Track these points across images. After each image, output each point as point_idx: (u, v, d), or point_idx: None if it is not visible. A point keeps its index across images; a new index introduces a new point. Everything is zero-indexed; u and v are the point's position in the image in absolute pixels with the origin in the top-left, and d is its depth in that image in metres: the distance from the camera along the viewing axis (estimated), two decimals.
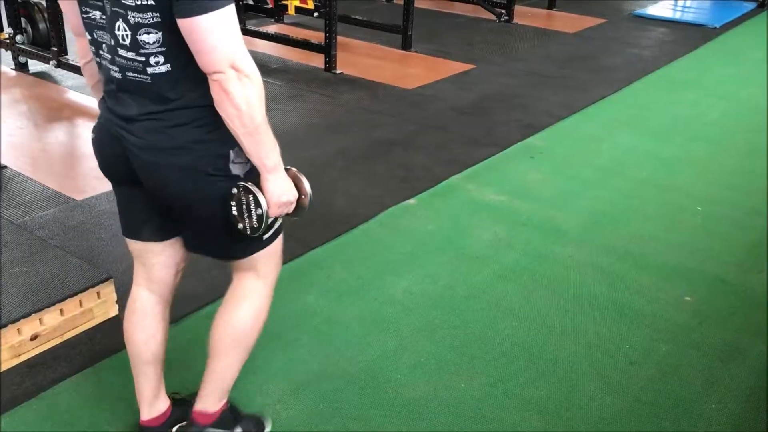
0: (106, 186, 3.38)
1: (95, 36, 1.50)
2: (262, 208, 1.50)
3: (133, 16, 1.38)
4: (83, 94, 4.65)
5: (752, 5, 8.41)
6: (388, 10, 7.36)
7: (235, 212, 1.52)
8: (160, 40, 1.40)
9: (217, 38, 1.34)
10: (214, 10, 1.32)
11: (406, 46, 6.04)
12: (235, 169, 1.52)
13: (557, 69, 5.70)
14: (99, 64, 1.54)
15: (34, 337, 2.24)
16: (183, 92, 1.45)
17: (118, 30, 1.42)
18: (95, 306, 2.39)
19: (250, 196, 1.50)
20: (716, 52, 6.50)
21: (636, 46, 6.54)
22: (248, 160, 1.51)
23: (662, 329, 2.52)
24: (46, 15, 4.97)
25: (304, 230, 2.93)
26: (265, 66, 5.34)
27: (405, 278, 2.76)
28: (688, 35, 6.97)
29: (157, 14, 1.37)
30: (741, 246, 3.12)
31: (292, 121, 4.35)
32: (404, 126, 4.35)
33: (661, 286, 2.78)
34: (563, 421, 2.09)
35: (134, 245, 1.75)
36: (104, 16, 1.44)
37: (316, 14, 5.67)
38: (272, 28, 6.25)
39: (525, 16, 7.44)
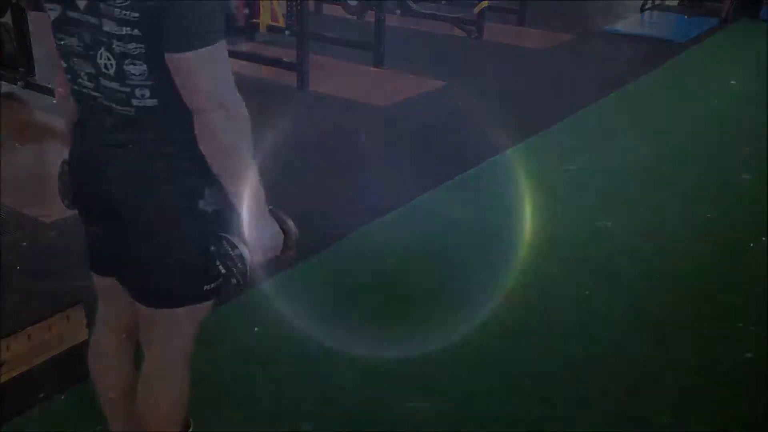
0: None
1: (72, 63, 1.40)
2: (241, 251, 1.39)
3: (118, 45, 1.29)
4: (51, 115, 4.59)
5: (714, 21, 8.60)
6: (359, 27, 7.38)
7: (223, 270, 1.43)
8: (146, 72, 1.30)
9: (205, 76, 1.28)
10: (204, 46, 1.25)
11: (378, 63, 6.07)
12: (204, 206, 1.42)
13: (528, 85, 5.76)
14: (78, 92, 1.43)
15: (0, 365, 2.18)
16: (168, 126, 1.36)
17: (101, 58, 1.33)
18: (64, 331, 2.34)
19: (225, 242, 1.41)
20: (683, 66, 6.63)
21: (606, 61, 6.63)
22: (219, 203, 1.42)
23: None
24: (12, 35, 4.90)
25: None
26: (235, 85, 5.31)
27: None
28: (656, 50, 7.10)
29: (142, 46, 1.28)
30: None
31: (263, 140, 4.32)
32: (377, 142, 4.35)
33: None
34: None
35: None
36: (81, 44, 1.34)
37: (287, 32, 5.68)
38: (244, 47, 6.24)
39: (495, 32, 7.51)
